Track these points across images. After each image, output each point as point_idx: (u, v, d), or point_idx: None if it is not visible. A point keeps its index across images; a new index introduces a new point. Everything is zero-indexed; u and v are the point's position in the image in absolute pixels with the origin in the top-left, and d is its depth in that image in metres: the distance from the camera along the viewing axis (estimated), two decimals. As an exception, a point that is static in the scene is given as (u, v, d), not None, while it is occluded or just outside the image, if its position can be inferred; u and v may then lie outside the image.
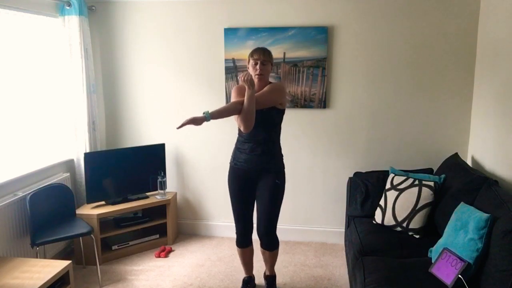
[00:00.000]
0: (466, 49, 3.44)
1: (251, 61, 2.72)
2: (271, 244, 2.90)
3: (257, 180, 2.81)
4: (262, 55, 2.68)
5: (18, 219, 3.03)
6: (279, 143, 2.85)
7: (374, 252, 2.67)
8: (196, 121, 2.47)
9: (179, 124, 2.44)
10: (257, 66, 2.68)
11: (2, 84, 3.01)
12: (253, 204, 2.89)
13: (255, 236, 2.92)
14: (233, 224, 2.95)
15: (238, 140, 2.85)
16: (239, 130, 2.77)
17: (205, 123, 2.51)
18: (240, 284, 3.12)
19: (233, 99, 2.73)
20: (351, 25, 3.57)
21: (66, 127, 3.67)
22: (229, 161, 2.90)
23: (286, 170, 2.91)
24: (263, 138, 2.73)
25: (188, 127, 2.55)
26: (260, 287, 3.12)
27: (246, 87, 2.56)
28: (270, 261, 2.99)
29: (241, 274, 3.19)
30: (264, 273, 3.13)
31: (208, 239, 3.99)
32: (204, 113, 2.51)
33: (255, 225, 2.89)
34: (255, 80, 2.69)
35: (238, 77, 2.65)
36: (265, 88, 2.70)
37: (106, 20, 3.89)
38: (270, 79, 2.85)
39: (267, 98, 2.66)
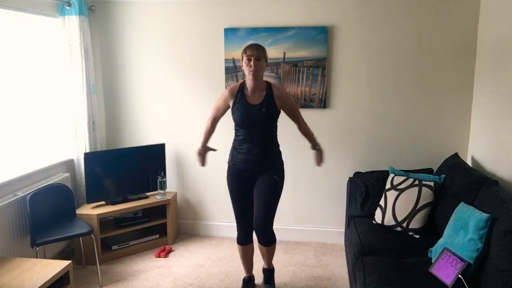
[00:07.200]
0: (466, 49, 3.43)
1: (245, 58, 2.64)
2: (268, 240, 2.89)
3: (256, 178, 2.81)
4: (256, 51, 2.61)
5: (18, 219, 3.03)
6: (277, 140, 2.86)
7: (374, 252, 2.67)
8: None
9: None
10: (251, 63, 2.61)
11: (2, 84, 3.01)
12: (253, 202, 2.88)
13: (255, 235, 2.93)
14: (234, 224, 2.96)
15: (235, 140, 2.83)
16: (236, 130, 2.79)
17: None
18: (240, 284, 3.12)
19: (216, 103, 2.85)
20: (351, 25, 3.57)
21: (66, 127, 3.67)
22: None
23: (286, 169, 2.92)
24: (261, 138, 2.73)
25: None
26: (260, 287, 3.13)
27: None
28: (268, 256, 3.00)
29: (241, 274, 3.19)
30: (263, 267, 3.12)
31: (208, 239, 3.98)
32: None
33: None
34: (250, 77, 2.66)
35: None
36: (291, 102, 2.82)
37: (106, 20, 3.89)
38: (270, 80, 2.85)
39: (297, 107, 2.89)
